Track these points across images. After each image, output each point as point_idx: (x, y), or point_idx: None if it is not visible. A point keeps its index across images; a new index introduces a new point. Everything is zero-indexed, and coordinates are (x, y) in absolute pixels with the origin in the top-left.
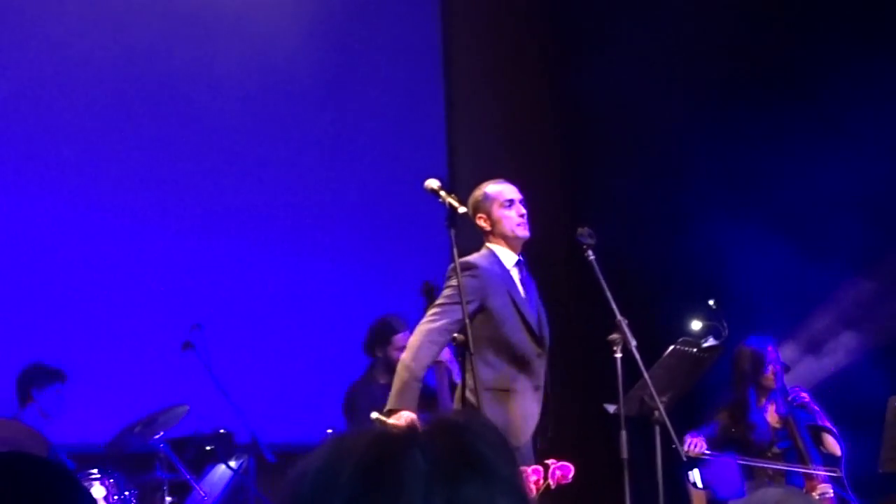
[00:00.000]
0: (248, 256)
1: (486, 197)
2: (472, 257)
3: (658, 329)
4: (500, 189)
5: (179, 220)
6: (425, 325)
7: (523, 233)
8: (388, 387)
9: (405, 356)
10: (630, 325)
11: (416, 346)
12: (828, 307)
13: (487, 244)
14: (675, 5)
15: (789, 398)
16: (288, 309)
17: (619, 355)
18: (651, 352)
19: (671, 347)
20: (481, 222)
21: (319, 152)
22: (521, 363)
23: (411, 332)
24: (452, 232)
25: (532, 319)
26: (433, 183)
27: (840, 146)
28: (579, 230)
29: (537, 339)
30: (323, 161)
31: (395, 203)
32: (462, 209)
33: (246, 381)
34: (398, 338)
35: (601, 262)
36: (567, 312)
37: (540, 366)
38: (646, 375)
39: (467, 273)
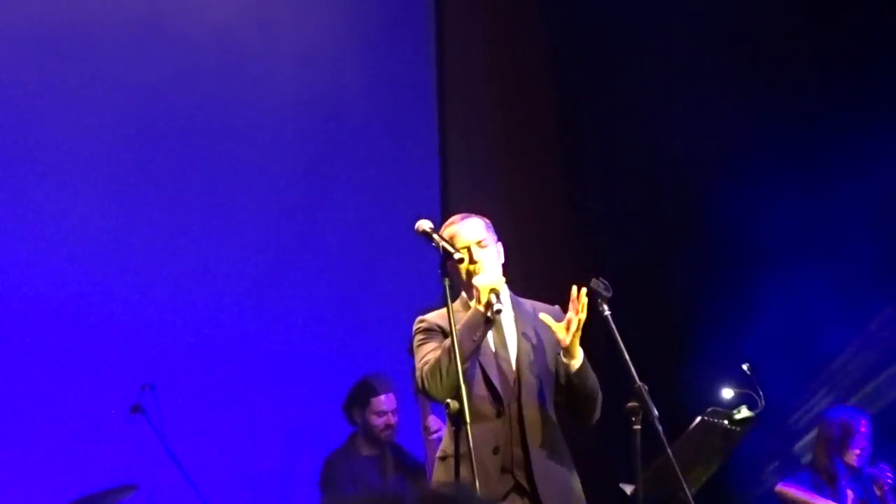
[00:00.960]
0: (209, 305)
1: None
2: (433, 313)
3: (683, 396)
4: (456, 233)
5: (130, 261)
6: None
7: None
8: (372, 459)
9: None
10: (650, 392)
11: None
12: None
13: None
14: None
15: (873, 479)
16: (256, 367)
17: (637, 427)
18: (674, 423)
19: (698, 419)
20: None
21: (297, 191)
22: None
23: (393, 392)
24: (447, 281)
25: (498, 364)
26: (425, 224)
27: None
28: (593, 281)
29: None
30: (300, 199)
31: (382, 247)
32: (457, 255)
33: (206, 452)
34: (378, 401)
35: (616, 319)
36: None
37: (502, 425)
38: (669, 452)
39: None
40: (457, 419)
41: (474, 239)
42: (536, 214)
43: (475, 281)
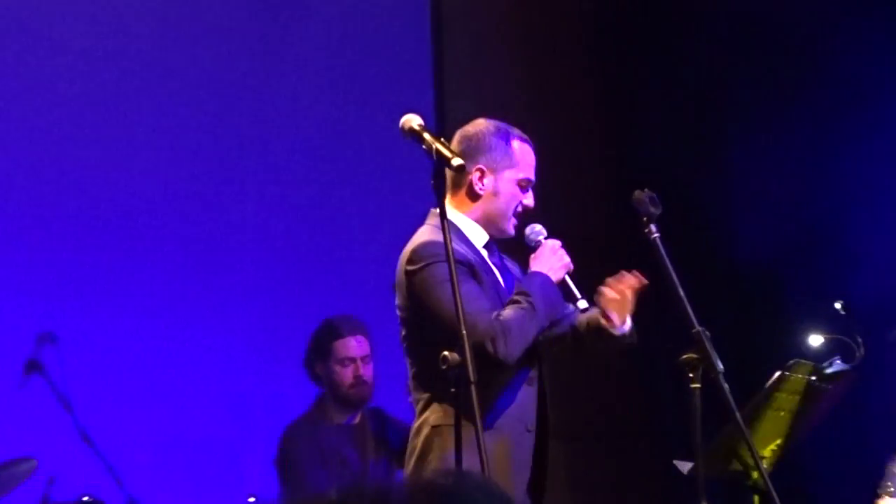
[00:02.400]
0: (123, 234)
1: (505, 149)
2: (427, 235)
3: (756, 345)
4: (527, 154)
5: (28, 190)
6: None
7: (511, 231)
8: (345, 429)
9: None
10: (714, 340)
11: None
12: None
13: (451, 207)
14: None
15: None
16: (188, 311)
17: (696, 385)
18: (744, 380)
19: (776, 375)
20: (476, 177)
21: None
22: (503, 390)
23: (366, 335)
24: (444, 198)
25: None
26: (413, 121)
27: None
28: (636, 194)
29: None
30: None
31: (355, 149)
32: (457, 161)
33: (123, 421)
34: (342, 345)
35: (669, 246)
36: None
37: (530, 395)
38: (738, 417)
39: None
40: (456, 377)
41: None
42: (564, 124)
43: (542, 266)
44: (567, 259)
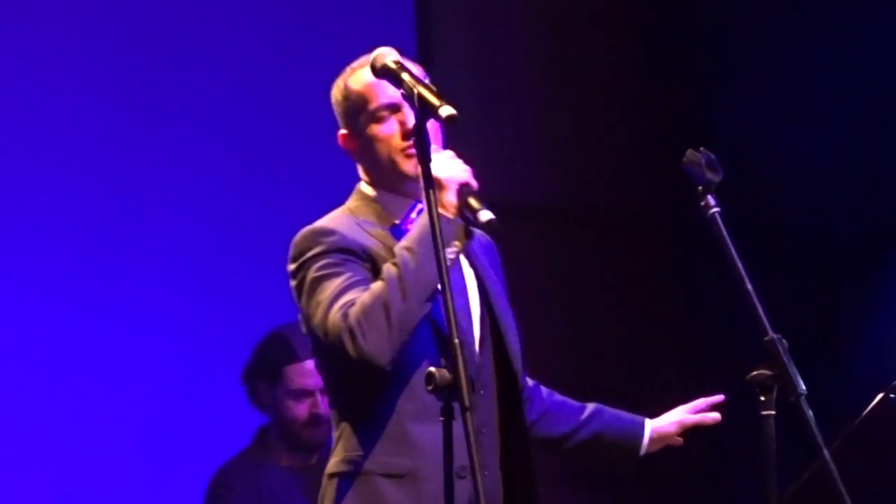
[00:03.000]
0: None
1: (346, 94)
2: (326, 219)
3: (848, 360)
4: (363, 77)
5: None
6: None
7: (410, 170)
8: (295, 475)
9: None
10: (794, 351)
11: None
12: None
13: (360, 185)
14: None
15: None
16: (90, 310)
17: (769, 412)
18: (835, 406)
19: (878, 397)
20: (344, 146)
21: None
22: (428, 419)
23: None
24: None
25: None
26: (386, 56)
27: None
28: (689, 154)
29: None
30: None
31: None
32: (447, 109)
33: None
34: (294, 370)
35: (733, 226)
36: (659, 321)
37: (477, 425)
38: (826, 454)
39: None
40: (444, 401)
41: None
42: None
43: (441, 172)
44: (459, 168)
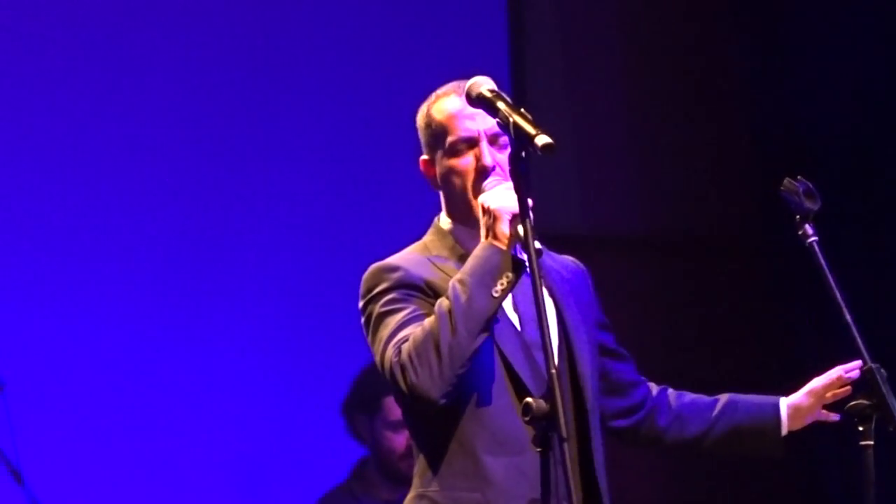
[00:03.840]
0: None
1: (427, 121)
2: (397, 256)
3: None
4: (447, 106)
5: None
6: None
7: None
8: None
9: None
10: (891, 380)
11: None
12: None
13: (438, 218)
14: None
15: None
16: (161, 356)
17: (869, 443)
18: None
19: None
20: (425, 173)
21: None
22: (501, 452)
23: None
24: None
25: (529, 365)
26: (482, 85)
27: None
28: (786, 183)
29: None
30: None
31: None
32: (543, 139)
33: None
34: (393, 403)
35: (832, 255)
36: (758, 352)
37: (551, 458)
38: None
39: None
40: (540, 431)
41: (485, 128)
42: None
43: (488, 201)
44: (514, 199)
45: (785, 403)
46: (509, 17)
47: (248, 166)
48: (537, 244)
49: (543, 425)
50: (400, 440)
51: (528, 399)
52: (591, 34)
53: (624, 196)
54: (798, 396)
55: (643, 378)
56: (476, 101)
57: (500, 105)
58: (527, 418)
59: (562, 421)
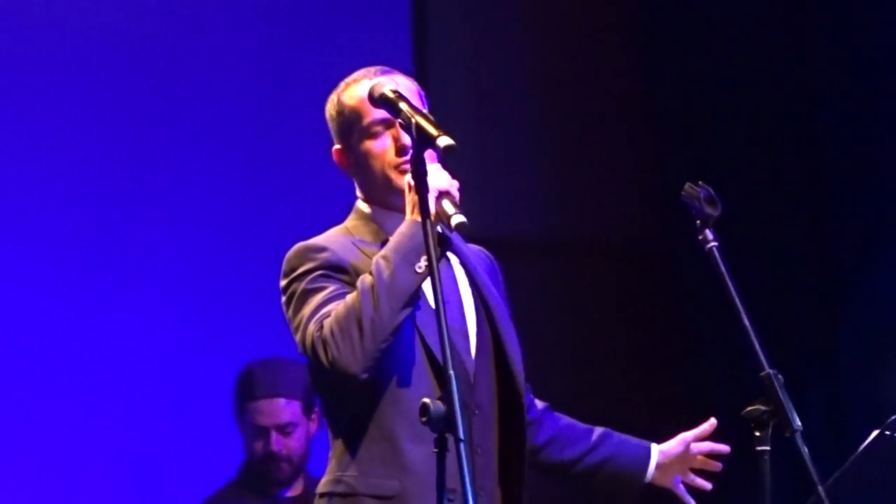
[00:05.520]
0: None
1: (340, 109)
2: (321, 237)
3: (845, 394)
4: (358, 91)
5: None
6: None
7: (402, 183)
8: (280, 501)
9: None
10: (789, 387)
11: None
12: None
13: (358, 203)
14: None
15: None
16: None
17: (765, 448)
18: (831, 441)
19: (874, 434)
20: (338, 161)
21: None
22: (421, 440)
23: (290, 395)
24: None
25: (450, 345)
26: (384, 86)
27: None
28: (687, 188)
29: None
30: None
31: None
32: (445, 140)
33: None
34: (252, 408)
35: (731, 260)
36: (658, 354)
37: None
38: (821, 490)
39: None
40: (438, 432)
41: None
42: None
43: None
44: (441, 177)
45: (657, 449)
46: (412, 12)
47: (154, 166)
48: (460, 216)
49: (441, 427)
50: (256, 446)
51: (426, 400)
52: (496, 33)
53: (525, 198)
54: (671, 443)
55: (529, 387)
56: (378, 101)
57: (403, 106)
58: (423, 419)
59: (459, 424)
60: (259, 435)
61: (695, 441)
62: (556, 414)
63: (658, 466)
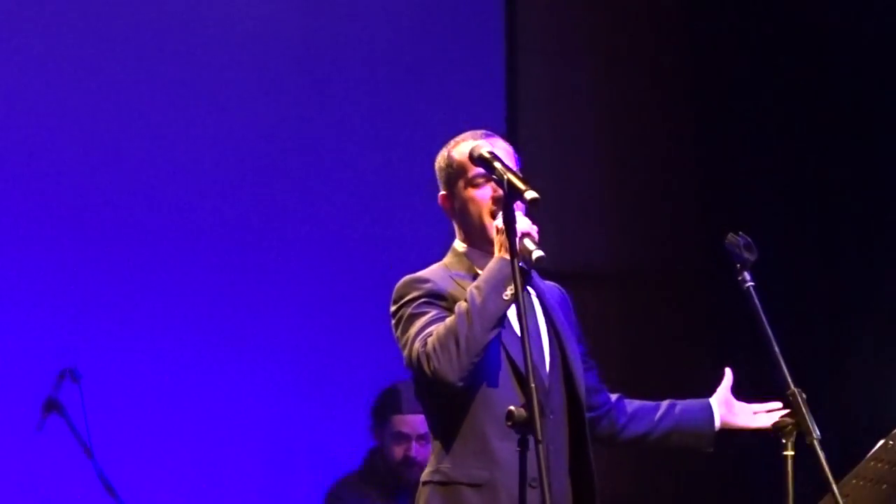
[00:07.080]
0: (149, 268)
1: (448, 161)
2: (424, 271)
3: (858, 408)
4: (466, 148)
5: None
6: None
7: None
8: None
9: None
10: (810, 402)
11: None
12: None
13: (455, 243)
14: None
15: None
16: (219, 347)
17: (789, 453)
18: (846, 449)
19: (879, 443)
20: (444, 206)
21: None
22: (507, 438)
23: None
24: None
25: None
26: (481, 148)
27: None
28: (730, 238)
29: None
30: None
31: (399, 188)
32: (531, 193)
33: (147, 469)
34: (398, 420)
35: (764, 295)
36: (695, 372)
37: (548, 443)
38: (835, 489)
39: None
40: (520, 434)
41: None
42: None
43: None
44: (522, 221)
45: (715, 402)
46: (507, 78)
47: (280, 183)
48: (539, 252)
49: (523, 429)
50: (398, 450)
51: (511, 407)
52: (573, 97)
53: (594, 236)
54: (718, 396)
55: (604, 385)
56: (477, 160)
57: (497, 165)
58: (509, 423)
59: (538, 427)
60: (401, 442)
61: (725, 390)
62: (627, 399)
63: (722, 415)
